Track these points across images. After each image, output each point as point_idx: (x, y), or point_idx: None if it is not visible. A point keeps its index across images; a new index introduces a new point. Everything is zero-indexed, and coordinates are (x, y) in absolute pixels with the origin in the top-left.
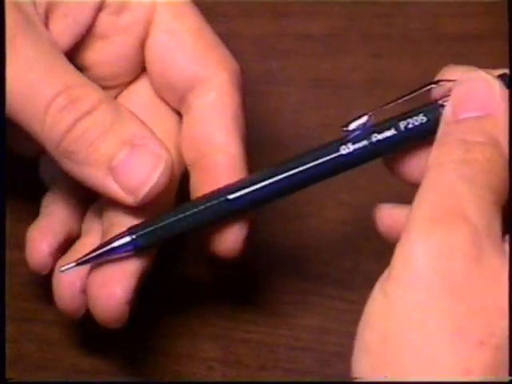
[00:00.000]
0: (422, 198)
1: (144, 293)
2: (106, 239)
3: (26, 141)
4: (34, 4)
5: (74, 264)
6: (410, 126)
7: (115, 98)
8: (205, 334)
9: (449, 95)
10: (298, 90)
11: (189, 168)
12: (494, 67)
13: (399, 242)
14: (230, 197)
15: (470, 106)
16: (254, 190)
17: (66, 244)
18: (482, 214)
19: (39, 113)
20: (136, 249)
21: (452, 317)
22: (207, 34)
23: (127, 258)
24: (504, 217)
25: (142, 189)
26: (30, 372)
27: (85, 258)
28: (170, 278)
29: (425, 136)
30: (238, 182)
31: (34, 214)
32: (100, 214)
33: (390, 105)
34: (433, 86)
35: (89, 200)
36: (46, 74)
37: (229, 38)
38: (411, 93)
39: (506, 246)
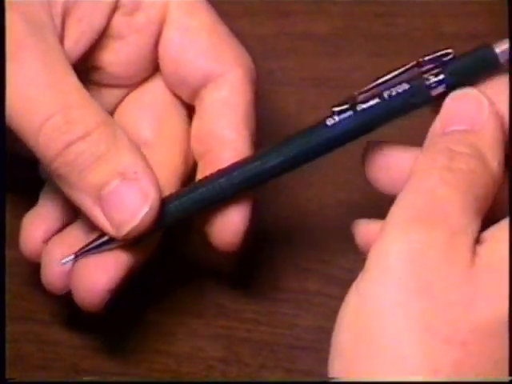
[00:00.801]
0: (402, 199)
1: (144, 293)
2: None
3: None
4: (49, 12)
5: (73, 256)
6: (394, 93)
7: (127, 95)
8: (205, 333)
9: (431, 65)
10: (299, 89)
11: (197, 160)
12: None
13: (375, 241)
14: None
15: (458, 120)
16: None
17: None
18: (463, 214)
19: (34, 129)
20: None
21: (421, 315)
22: (221, 31)
23: (121, 248)
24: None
25: (125, 226)
26: (30, 372)
27: (83, 250)
28: (170, 278)
29: (408, 108)
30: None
31: None
32: None
33: (378, 81)
34: (414, 62)
35: None
36: (45, 91)
37: None
38: (396, 69)
39: (481, 250)
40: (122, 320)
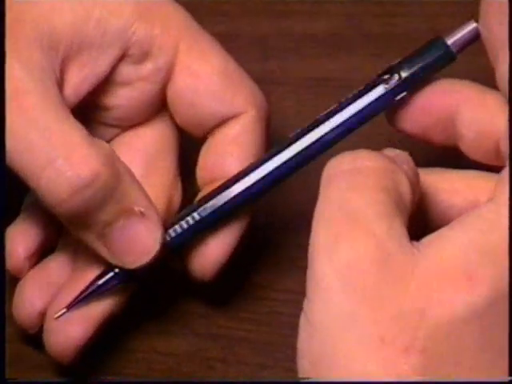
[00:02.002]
0: (320, 214)
1: (144, 293)
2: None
3: None
4: (49, 56)
5: (65, 310)
6: (358, 109)
7: (122, 133)
8: (205, 333)
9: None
10: (298, 89)
11: (200, 187)
12: (494, 67)
13: (309, 263)
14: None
15: None
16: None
17: (44, 247)
18: (379, 217)
19: (36, 173)
20: (122, 283)
21: (372, 329)
22: (233, 72)
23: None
24: (411, 218)
25: (136, 263)
26: (30, 372)
27: (74, 302)
28: (169, 278)
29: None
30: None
31: None
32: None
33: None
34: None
35: None
36: (46, 135)
37: (229, 38)
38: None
39: (419, 244)
40: (121, 320)
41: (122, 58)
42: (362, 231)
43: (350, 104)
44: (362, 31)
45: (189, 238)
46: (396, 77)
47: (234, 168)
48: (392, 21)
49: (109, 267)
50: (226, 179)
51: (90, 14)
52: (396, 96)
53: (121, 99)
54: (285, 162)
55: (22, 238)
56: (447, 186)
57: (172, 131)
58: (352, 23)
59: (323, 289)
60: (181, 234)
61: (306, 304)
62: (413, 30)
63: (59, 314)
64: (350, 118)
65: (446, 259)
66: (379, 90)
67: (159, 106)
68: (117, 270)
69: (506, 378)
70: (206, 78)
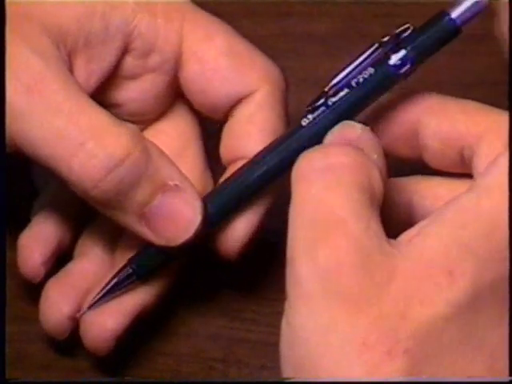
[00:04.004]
0: (296, 215)
1: None
2: (109, 274)
3: None
4: (58, 49)
5: (86, 309)
6: (361, 80)
7: (144, 129)
8: (205, 333)
9: (392, 44)
10: (299, 89)
11: (225, 165)
12: (494, 67)
13: (287, 265)
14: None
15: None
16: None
17: (59, 252)
18: (357, 218)
19: (66, 159)
20: (140, 278)
21: (354, 333)
22: (241, 51)
23: (128, 291)
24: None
25: (178, 239)
26: (30, 372)
27: (95, 301)
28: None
29: (379, 91)
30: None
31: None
32: (96, 237)
33: (344, 72)
34: (376, 44)
35: (83, 206)
36: (73, 120)
37: None
38: (358, 57)
39: (397, 243)
40: None
41: (126, 51)
42: (340, 233)
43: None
44: (362, 31)
45: (224, 215)
46: (402, 52)
47: (252, 148)
48: (392, 21)
49: (128, 264)
50: (247, 159)
51: (94, 8)
52: (400, 69)
53: (132, 93)
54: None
55: (37, 243)
56: (431, 193)
57: (192, 121)
58: (352, 23)
59: (303, 293)
60: (217, 209)
61: (286, 308)
62: None
63: (81, 313)
64: (360, 89)
65: (427, 257)
66: (384, 68)
67: (173, 96)
68: (134, 266)
69: (506, 378)
70: (213, 62)
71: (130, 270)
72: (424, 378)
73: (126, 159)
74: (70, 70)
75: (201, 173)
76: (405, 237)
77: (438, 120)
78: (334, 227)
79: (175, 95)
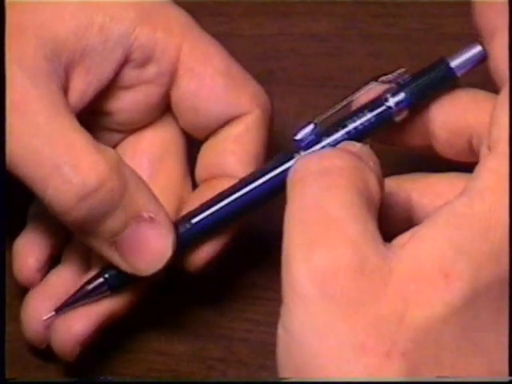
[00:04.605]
0: (293, 216)
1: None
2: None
3: None
4: (52, 62)
5: (53, 313)
6: (360, 126)
7: (127, 137)
8: (205, 333)
9: (392, 88)
10: (299, 89)
11: (198, 183)
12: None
13: (283, 268)
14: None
15: None
16: (212, 212)
17: (53, 257)
18: (354, 220)
19: (42, 181)
20: (111, 289)
21: (352, 336)
22: (236, 73)
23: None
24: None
25: (150, 268)
26: (30, 372)
27: (63, 306)
28: (169, 278)
29: (373, 132)
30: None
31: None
32: (76, 245)
33: (336, 108)
34: (373, 82)
35: None
36: (51, 142)
37: (229, 38)
38: (353, 93)
39: (393, 246)
40: (122, 320)
41: (125, 62)
42: (337, 235)
43: (357, 117)
44: (362, 31)
45: (203, 236)
46: (399, 96)
47: (235, 166)
48: (392, 21)
49: (100, 272)
50: (225, 177)
51: (92, 20)
52: (397, 116)
53: (125, 103)
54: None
55: (32, 249)
56: (430, 190)
57: (178, 131)
58: (352, 23)
59: (300, 297)
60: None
61: (282, 313)
62: (413, 30)
63: (47, 316)
64: (356, 131)
65: (422, 259)
66: (382, 109)
67: (164, 109)
68: (107, 276)
69: (506, 378)
70: (209, 81)
71: (102, 280)
72: (424, 378)
73: (100, 188)
74: (67, 81)
75: (179, 182)
76: (399, 240)
77: (447, 109)
78: (330, 229)
79: (165, 109)
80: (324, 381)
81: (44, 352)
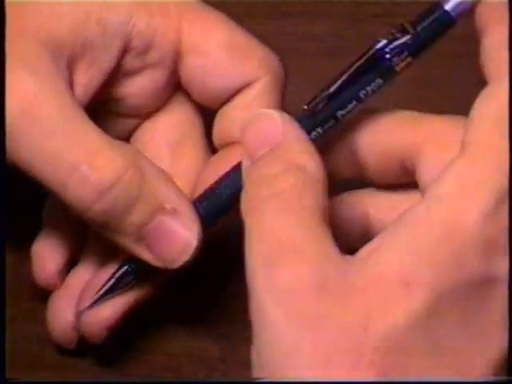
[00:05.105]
0: (252, 246)
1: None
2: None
3: None
4: (55, 62)
5: (86, 308)
6: (370, 92)
7: (143, 122)
8: (205, 333)
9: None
10: (299, 89)
11: (217, 148)
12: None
13: (249, 297)
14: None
15: (259, 144)
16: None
17: (72, 258)
18: (311, 240)
19: (61, 182)
20: (136, 279)
21: (318, 354)
22: (240, 42)
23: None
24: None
25: (177, 261)
26: (30, 372)
27: (93, 302)
28: (169, 279)
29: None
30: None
31: (34, 213)
32: (95, 243)
33: (342, 79)
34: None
35: None
36: (66, 142)
37: None
38: (357, 60)
39: (354, 259)
40: (122, 320)
41: (125, 51)
42: (296, 257)
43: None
44: (362, 31)
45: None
46: (400, 40)
47: None
48: (392, 21)
49: (123, 264)
50: (238, 144)
51: (89, 14)
52: (397, 65)
53: (133, 88)
54: None
55: (51, 253)
56: (386, 204)
57: (192, 112)
58: (352, 23)
59: (264, 321)
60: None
61: (253, 337)
62: None
63: (80, 310)
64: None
65: (382, 270)
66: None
67: (173, 89)
68: (132, 266)
69: (506, 378)
70: (213, 55)
71: (126, 269)
72: (418, 378)
73: (117, 182)
74: (71, 77)
75: (201, 161)
76: (362, 252)
77: (374, 135)
78: (289, 252)
79: (175, 88)
80: (323, 381)
81: (44, 352)
